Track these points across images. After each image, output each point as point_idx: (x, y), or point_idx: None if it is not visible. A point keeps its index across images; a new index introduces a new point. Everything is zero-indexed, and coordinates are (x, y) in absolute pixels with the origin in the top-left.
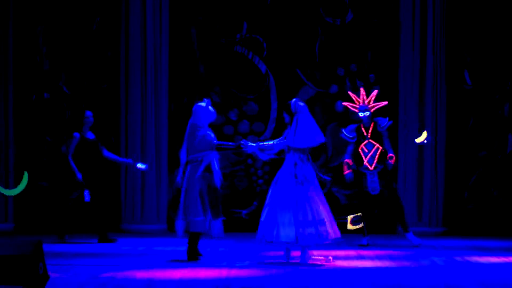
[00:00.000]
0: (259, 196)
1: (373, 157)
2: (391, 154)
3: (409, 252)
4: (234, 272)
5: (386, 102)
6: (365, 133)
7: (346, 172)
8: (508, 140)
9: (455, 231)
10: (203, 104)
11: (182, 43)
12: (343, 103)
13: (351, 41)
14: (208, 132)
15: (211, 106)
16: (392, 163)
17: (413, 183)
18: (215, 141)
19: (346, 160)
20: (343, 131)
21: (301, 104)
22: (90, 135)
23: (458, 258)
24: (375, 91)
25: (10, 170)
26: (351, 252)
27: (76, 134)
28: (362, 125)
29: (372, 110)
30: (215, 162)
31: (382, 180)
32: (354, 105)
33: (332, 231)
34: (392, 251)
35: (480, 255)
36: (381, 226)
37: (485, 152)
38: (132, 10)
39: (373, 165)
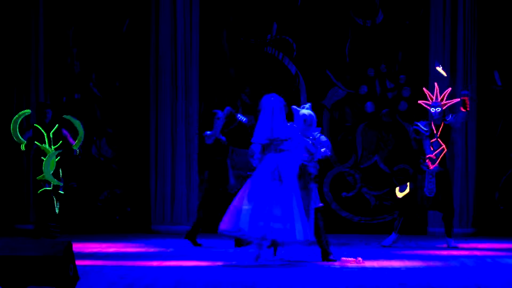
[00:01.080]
0: None
1: (437, 156)
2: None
3: (438, 252)
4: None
5: (458, 99)
6: (434, 131)
7: (432, 167)
8: None
9: (485, 232)
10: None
11: (213, 44)
12: (419, 101)
13: (381, 42)
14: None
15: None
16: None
17: None
18: None
19: (428, 155)
20: (418, 124)
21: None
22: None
23: (488, 260)
24: (449, 89)
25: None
26: (381, 252)
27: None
28: (432, 123)
29: (444, 107)
30: None
31: (439, 182)
32: (427, 102)
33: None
34: (422, 251)
35: (510, 257)
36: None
37: None
38: (162, 11)
39: (435, 165)
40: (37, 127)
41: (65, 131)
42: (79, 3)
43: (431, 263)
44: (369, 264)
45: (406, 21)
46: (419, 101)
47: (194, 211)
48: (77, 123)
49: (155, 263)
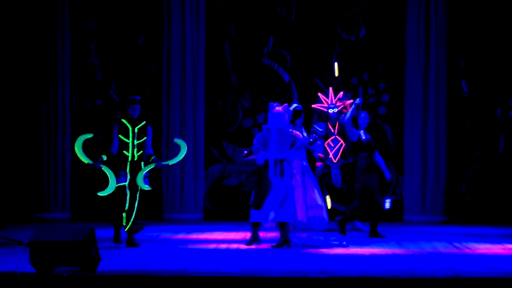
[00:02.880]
0: None
1: (337, 151)
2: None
3: (412, 239)
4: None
5: (351, 101)
6: (332, 130)
7: (318, 164)
8: (500, 140)
9: (454, 220)
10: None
11: (217, 55)
12: (313, 106)
13: (364, 54)
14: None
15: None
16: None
17: (417, 177)
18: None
19: (319, 154)
20: (315, 126)
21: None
22: (366, 136)
23: (458, 245)
24: (341, 92)
25: (66, 167)
26: (364, 239)
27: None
28: (329, 123)
29: (339, 108)
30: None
31: (343, 174)
32: (323, 104)
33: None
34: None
35: (477, 241)
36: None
37: (480, 151)
38: (173, 28)
39: (337, 158)
40: (123, 121)
41: (150, 129)
42: (101, 21)
43: (409, 250)
44: (354, 250)
45: (385, 36)
46: (313, 106)
47: (200, 201)
48: (182, 145)
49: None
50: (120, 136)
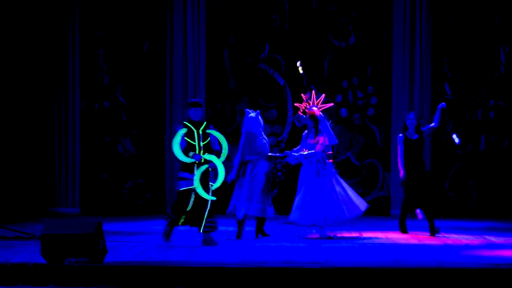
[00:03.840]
0: (278, 185)
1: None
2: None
3: (397, 230)
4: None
5: (332, 104)
6: None
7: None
8: (480, 140)
9: (436, 214)
10: (253, 115)
11: (216, 61)
12: (295, 104)
13: (354, 59)
14: (264, 142)
15: (260, 116)
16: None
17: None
18: (268, 152)
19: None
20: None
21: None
22: (415, 136)
23: (442, 237)
24: (323, 95)
25: (76, 165)
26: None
27: (401, 136)
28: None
29: (320, 110)
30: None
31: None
32: (305, 104)
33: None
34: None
35: (459, 234)
36: (373, 209)
37: (461, 150)
38: (175, 35)
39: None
40: (187, 124)
41: (211, 127)
42: (108, 28)
43: (397, 241)
44: (344, 241)
45: (373, 42)
46: (296, 104)
47: None
48: (221, 138)
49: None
50: (186, 138)
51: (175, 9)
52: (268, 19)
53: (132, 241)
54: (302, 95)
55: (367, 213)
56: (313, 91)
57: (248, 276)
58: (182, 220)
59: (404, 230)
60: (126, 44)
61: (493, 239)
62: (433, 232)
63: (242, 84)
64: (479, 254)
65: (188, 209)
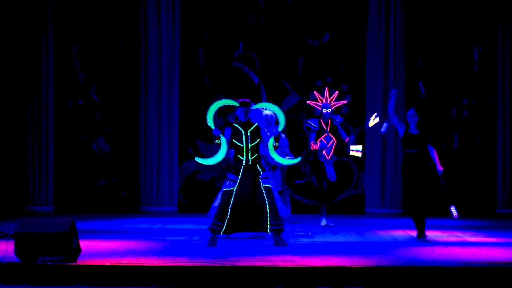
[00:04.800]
0: None
1: (330, 148)
2: (348, 138)
3: (372, 230)
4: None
5: (345, 101)
6: (324, 127)
7: (329, 157)
8: (454, 139)
9: (410, 212)
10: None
11: (191, 59)
12: (307, 102)
13: (328, 57)
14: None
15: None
16: (351, 142)
17: (377, 172)
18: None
19: (312, 143)
20: (308, 121)
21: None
22: (415, 131)
23: (414, 234)
24: (336, 92)
25: (50, 163)
26: (328, 229)
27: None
28: (321, 120)
29: (333, 108)
30: None
31: (337, 170)
32: (317, 103)
33: None
34: (361, 229)
35: (432, 231)
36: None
37: (435, 148)
38: (150, 32)
39: (330, 155)
40: (235, 126)
41: (264, 133)
42: (83, 26)
43: (368, 238)
44: (318, 239)
45: (348, 40)
46: (308, 102)
47: (175, 195)
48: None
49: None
50: (233, 140)
51: (149, 7)
52: (242, 17)
53: (105, 239)
54: (315, 92)
55: (343, 211)
56: (326, 88)
57: (223, 274)
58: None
59: (422, 235)
60: (100, 42)
61: (466, 237)
62: (422, 234)
63: (217, 82)
64: (452, 252)
65: (229, 213)
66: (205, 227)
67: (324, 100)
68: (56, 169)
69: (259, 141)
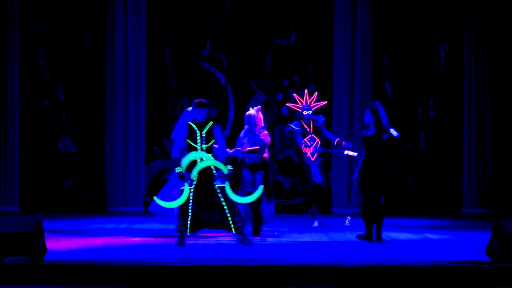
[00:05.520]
0: None
1: (314, 149)
2: (338, 139)
3: (339, 230)
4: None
5: (325, 102)
6: (307, 129)
7: (313, 159)
8: (420, 138)
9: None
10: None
11: (157, 58)
12: (287, 104)
13: (294, 57)
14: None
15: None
16: (347, 144)
17: (344, 173)
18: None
19: (303, 146)
20: (291, 125)
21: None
22: (371, 132)
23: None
24: (316, 93)
25: (15, 162)
26: (294, 229)
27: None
28: (303, 122)
29: (313, 109)
30: None
31: (321, 171)
32: (297, 105)
33: None
34: (327, 229)
35: (398, 232)
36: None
37: (402, 148)
38: (116, 31)
39: (315, 156)
40: (190, 124)
41: (217, 129)
42: (49, 24)
43: (337, 239)
44: (284, 239)
45: (314, 40)
46: (287, 104)
47: (141, 194)
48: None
49: (109, 237)
50: (188, 140)
51: (115, 5)
52: (209, 17)
53: (71, 239)
54: (294, 94)
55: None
56: (306, 90)
57: (188, 274)
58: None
59: (370, 238)
60: (66, 41)
61: (432, 236)
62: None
63: (183, 82)
64: (419, 251)
65: (190, 214)
66: (172, 226)
67: (304, 102)
68: (22, 169)
69: (214, 141)
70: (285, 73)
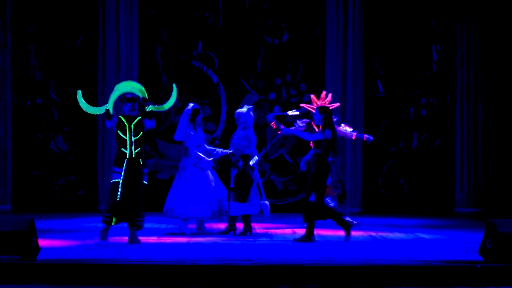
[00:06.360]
0: None
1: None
2: (365, 136)
3: (328, 228)
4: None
5: (338, 104)
6: (316, 129)
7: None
8: (412, 138)
9: (369, 211)
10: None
11: (149, 58)
12: (301, 104)
13: (286, 57)
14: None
15: (252, 111)
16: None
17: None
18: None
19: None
20: (297, 121)
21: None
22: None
23: (373, 233)
24: (330, 94)
25: (8, 161)
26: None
27: None
28: (313, 123)
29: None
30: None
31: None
32: (312, 106)
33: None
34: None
35: (389, 231)
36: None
37: (394, 147)
38: (107, 31)
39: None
40: (121, 118)
41: (147, 123)
42: (40, 24)
43: (329, 238)
44: (276, 238)
45: (306, 40)
46: (301, 104)
47: None
48: (174, 90)
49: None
50: (118, 132)
51: (107, 5)
52: (201, 16)
53: (64, 238)
54: (311, 95)
55: (299, 211)
56: (324, 92)
57: (180, 273)
58: (114, 220)
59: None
60: (58, 40)
61: (424, 236)
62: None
63: (175, 80)
64: (410, 251)
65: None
66: (164, 226)
67: (319, 103)
68: (14, 168)
69: (142, 134)
70: (277, 72)
